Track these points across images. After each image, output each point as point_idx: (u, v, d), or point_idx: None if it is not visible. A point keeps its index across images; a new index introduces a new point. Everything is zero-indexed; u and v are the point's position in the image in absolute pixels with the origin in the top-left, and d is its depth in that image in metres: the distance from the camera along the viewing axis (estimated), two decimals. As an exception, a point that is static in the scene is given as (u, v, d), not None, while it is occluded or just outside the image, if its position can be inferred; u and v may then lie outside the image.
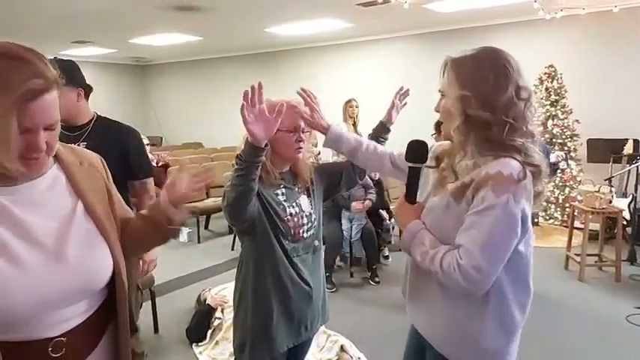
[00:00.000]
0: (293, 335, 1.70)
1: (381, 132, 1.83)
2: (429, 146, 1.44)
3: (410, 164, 1.41)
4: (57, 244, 0.98)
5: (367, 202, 4.21)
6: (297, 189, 1.71)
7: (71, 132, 2.10)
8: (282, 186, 1.66)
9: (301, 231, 1.66)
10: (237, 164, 1.45)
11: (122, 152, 2.10)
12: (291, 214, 1.64)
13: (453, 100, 1.27)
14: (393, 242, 4.72)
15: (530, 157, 1.22)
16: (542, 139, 5.38)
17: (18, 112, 0.87)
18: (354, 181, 1.86)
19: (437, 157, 1.41)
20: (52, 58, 2.26)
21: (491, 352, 1.30)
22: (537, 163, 1.23)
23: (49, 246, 0.97)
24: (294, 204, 1.66)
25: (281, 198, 1.64)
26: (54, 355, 0.97)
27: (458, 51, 1.32)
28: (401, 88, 1.85)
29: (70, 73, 2.03)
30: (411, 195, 1.39)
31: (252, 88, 1.39)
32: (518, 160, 1.20)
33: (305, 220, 1.68)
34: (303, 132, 1.65)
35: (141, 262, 2.35)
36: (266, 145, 1.43)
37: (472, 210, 1.20)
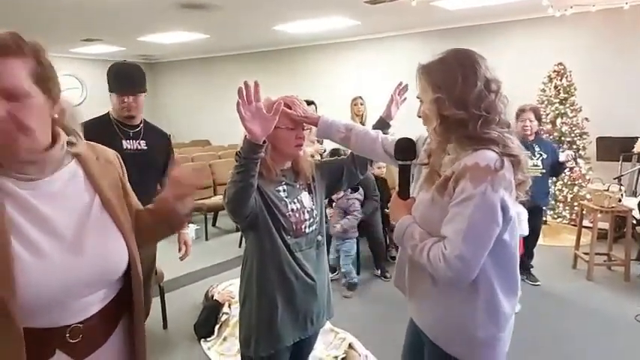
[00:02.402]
0: (298, 330, 1.71)
1: (381, 127, 1.87)
2: (416, 142, 1.50)
3: (399, 162, 1.47)
4: (75, 236, 1.02)
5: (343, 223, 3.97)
6: (298, 185, 1.74)
7: (130, 129, 2.44)
8: (283, 183, 1.69)
9: (303, 226, 1.69)
10: (236, 161, 1.49)
11: (167, 153, 2.59)
12: (292, 210, 1.67)
13: (428, 104, 1.34)
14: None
15: (508, 148, 1.27)
16: (551, 137, 5.36)
17: None
18: (356, 176, 1.88)
19: (429, 154, 1.45)
20: (123, 61, 2.59)
21: (482, 340, 1.34)
22: (515, 153, 1.27)
23: (68, 237, 1.01)
24: (295, 200, 1.69)
25: (282, 194, 1.67)
26: (71, 341, 1.01)
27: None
28: (400, 84, 1.89)
29: (144, 79, 2.46)
30: (402, 192, 1.46)
31: (247, 85, 1.42)
32: (495, 151, 1.24)
33: (307, 216, 1.70)
34: (303, 129, 1.69)
35: (184, 247, 2.65)
36: (264, 141, 1.46)
37: (453, 201, 1.25)
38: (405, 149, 1.47)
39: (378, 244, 4.28)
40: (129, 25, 6.79)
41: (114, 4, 5.36)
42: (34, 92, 0.94)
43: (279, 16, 6.28)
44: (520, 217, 3.35)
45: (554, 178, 4.98)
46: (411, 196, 1.46)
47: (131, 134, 2.42)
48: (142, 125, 2.48)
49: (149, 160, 2.43)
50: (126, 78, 2.39)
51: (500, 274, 1.32)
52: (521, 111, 3.86)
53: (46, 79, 0.97)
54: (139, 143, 2.42)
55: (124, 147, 2.36)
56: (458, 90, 1.27)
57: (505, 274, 1.33)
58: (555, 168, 3.98)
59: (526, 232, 3.48)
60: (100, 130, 2.27)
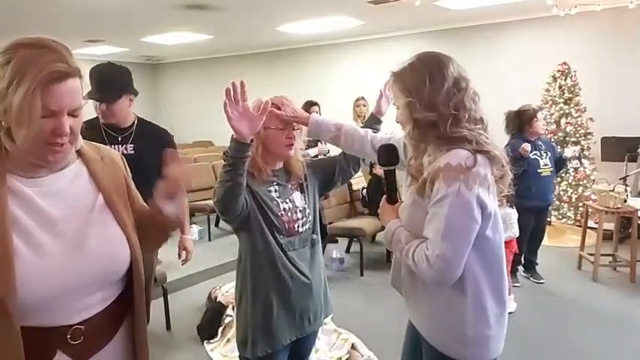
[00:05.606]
0: (295, 329, 1.71)
1: (372, 123, 1.89)
2: (405, 144, 1.52)
3: (384, 168, 1.50)
4: (78, 235, 1.02)
5: None
6: (290, 185, 1.74)
7: (119, 134, 2.33)
8: (275, 183, 1.70)
9: (296, 225, 1.70)
10: (224, 161, 1.50)
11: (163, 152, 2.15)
12: (284, 210, 1.68)
13: (401, 109, 1.37)
14: None
15: (480, 144, 1.28)
16: (555, 137, 5.33)
17: (43, 93, 0.91)
18: (349, 173, 1.89)
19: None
20: (107, 62, 2.38)
21: (472, 339, 1.35)
22: (488, 149, 1.29)
23: (70, 236, 1.01)
24: (287, 200, 1.70)
25: (274, 194, 1.68)
26: (72, 342, 1.00)
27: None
28: (389, 80, 1.88)
29: (129, 81, 2.32)
30: (390, 196, 1.49)
31: (234, 85, 1.43)
32: (467, 149, 1.26)
33: (299, 215, 1.71)
34: (293, 129, 1.70)
35: (184, 252, 2.60)
36: (251, 140, 1.47)
37: (430, 202, 1.27)
38: (388, 155, 1.50)
39: None
40: (132, 26, 6.80)
41: (117, 4, 5.37)
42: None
43: (282, 16, 6.28)
44: (510, 218, 3.37)
45: (557, 178, 4.97)
46: (400, 199, 1.48)
47: (120, 139, 2.32)
48: (134, 127, 2.37)
49: (137, 166, 2.35)
50: (98, 83, 2.21)
51: (487, 272, 1.33)
52: (534, 117, 3.90)
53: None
54: (125, 148, 2.31)
55: None
56: (427, 92, 1.30)
57: (491, 272, 1.34)
58: (558, 164, 4.04)
59: (517, 234, 3.47)
60: (88, 135, 2.22)
